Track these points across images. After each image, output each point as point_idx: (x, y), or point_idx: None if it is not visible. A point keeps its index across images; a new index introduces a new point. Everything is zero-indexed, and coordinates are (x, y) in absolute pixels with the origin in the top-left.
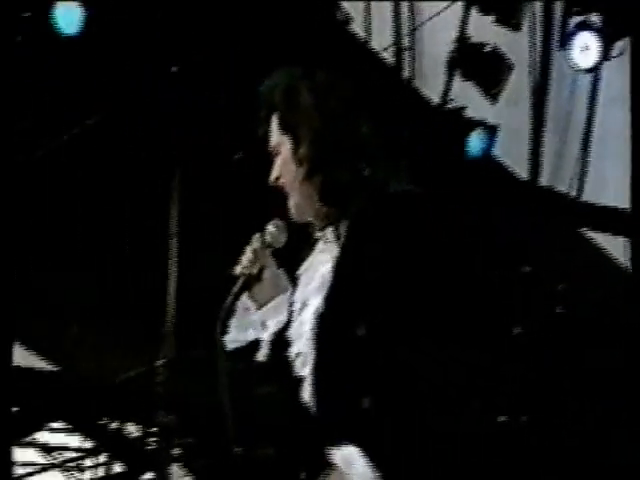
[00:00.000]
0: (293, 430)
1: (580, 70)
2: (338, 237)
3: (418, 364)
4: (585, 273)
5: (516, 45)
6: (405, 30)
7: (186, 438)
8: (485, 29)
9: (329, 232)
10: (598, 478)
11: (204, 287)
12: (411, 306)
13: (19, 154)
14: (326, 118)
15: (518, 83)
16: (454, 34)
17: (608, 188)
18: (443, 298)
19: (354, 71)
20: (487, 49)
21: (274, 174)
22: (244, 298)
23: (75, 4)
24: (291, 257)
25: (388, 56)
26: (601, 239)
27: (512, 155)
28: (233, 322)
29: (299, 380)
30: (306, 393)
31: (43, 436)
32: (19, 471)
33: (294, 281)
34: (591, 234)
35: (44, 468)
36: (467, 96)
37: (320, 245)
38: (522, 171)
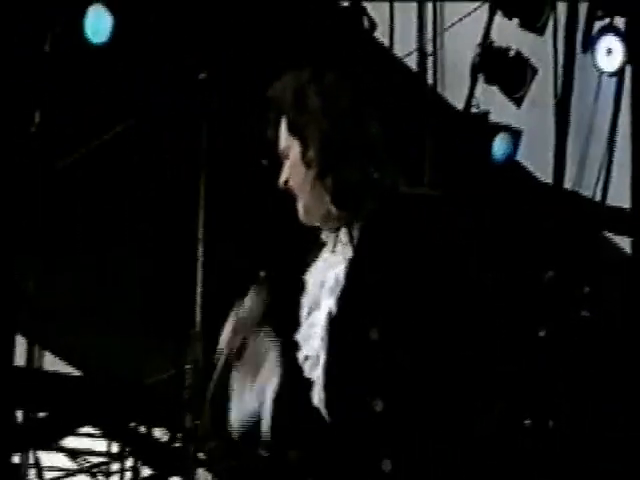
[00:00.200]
0: (302, 434)
1: (604, 73)
2: (351, 239)
3: (432, 367)
4: (610, 277)
5: (539, 49)
6: (428, 35)
7: (212, 441)
8: (508, 33)
9: (342, 234)
10: None
11: (230, 291)
12: (426, 309)
13: (49, 160)
14: (334, 120)
15: (541, 87)
16: (477, 39)
17: None
18: (458, 300)
19: (364, 72)
20: (511, 53)
21: (283, 177)
22: (234, 376)
23: (105, 13)
24: (298, 261)
25: (411, 62)
26: (626, 243)
27: (535, 159)
28: (232, 404)
29: (309, 384)
30: (315, 397)
31: (70, 441)
32: (47, 476)
33: (300, 287)
34: (616, 238)
35: (71, 473)
36: (490, 101)
37: (329, 248)
38: (546, 175)
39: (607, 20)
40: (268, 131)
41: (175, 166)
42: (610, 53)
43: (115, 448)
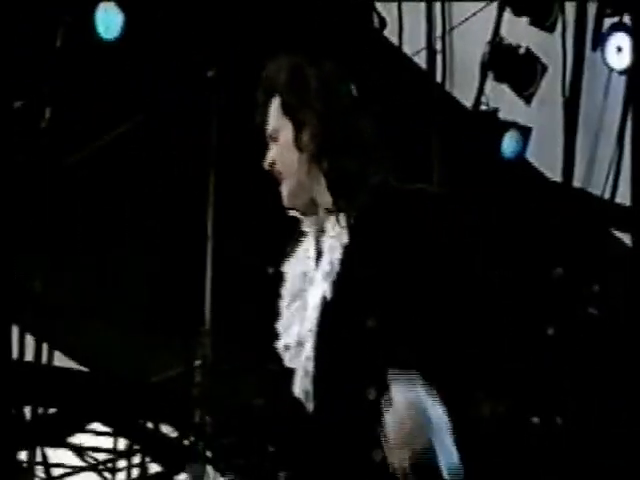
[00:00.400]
0: (282, 425)
1: (614, 71)
2: (349, 225)
3: (430, 360)
4: (618, 274)
5: (548, 47)
6: (437, 33)
7: (221, 439)
8: (517, 31)
9: (342, 218)
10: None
11: (241, 288)
12: (426, 303)
13: (57, 157)
14: (332, 106)
15: (550, 85)
16: (485, 38)
17: None
18: (460, 296)
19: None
20: (521, 51)
21: (269, 160)
22: None
23: (115, 9)
24: (276, 252)
25: (420, 60)
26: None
27: (544, 157)
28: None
29: (289, 373)
30: (296, 387)
31: (76, 437)
32: (54, 473)
33: (279, 278)
34: (624, 236)
35: (78, 470)
36: (499, 98)
37: (312, 236)
38: (555, 173)
39: (617, 18)
40: (256, 114)
41: (183, 163)
42: (620, 51)
43: (121, 445)
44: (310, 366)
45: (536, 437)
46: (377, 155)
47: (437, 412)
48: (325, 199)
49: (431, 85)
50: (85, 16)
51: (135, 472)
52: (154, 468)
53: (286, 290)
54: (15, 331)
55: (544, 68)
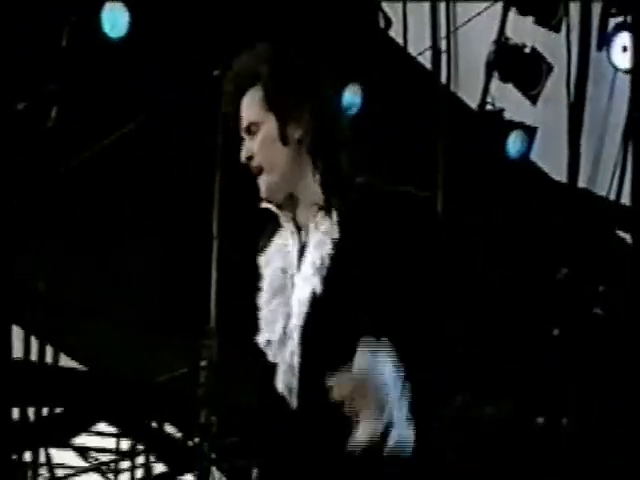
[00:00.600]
0: (265, 421)
1: (619, 71)
2: (339, 221)
3: (423, 355)
4: (622, 275)
5: (554, 46)
6: (442, 33)
7: (226, 439)
8: (522, 30)
9: (333, 214)
10: None
11: (244, 289)
12: (416, 298)
13: (60, 157)
14: (325, 100)
15: (555, 85)
16: (490, 37)
17: None
18: (456, 295)
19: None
20: (526, 50)
21: (247, 153)
22: None
23: (122, 8)
24: (250, 245)
25: (425, 60)
26: None
27: (549, 157)
28: None
29: (272, 368)
30: (279, 382)
31: (80, 438)
32: (58, 473)
33: (256, 272)
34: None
35: (81, 470)
36: (504, 98)
37: (288, 231)
38: (560, 173)
39: (622, 17)
40: (227, 105)
41: (185, 163)
42: (625, 50)
43: (125, 445)
44: (295, 361)
45: (538, 437)
46: (355, 157)
47: (396, 380)
48: (309, 194)
49: (436, 85)
50: (91, 15)
51: (139, 473)
52: (158, 468)
53: (266, 285)
54: (20, 331)
55: (550, 68)
